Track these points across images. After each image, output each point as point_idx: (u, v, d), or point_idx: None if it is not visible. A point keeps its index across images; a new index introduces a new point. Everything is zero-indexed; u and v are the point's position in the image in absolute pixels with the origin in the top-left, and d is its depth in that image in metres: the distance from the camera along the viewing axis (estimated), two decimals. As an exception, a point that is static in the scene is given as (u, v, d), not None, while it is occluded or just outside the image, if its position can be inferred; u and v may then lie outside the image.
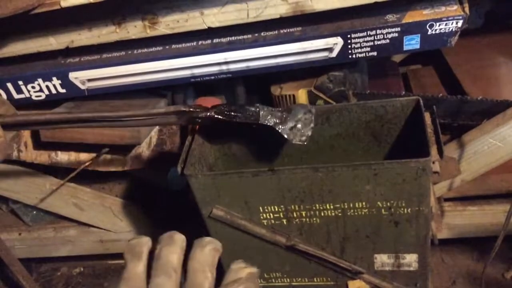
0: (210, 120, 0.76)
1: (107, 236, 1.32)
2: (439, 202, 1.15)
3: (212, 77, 1.03)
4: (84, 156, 1.14)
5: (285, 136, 0.78)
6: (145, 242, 0.43)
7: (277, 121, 0.78)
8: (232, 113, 0.77)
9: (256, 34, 1.00)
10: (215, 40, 1.01)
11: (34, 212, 1.34)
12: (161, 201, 1.29)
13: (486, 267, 0.98)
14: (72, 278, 1.54)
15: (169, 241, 0.42)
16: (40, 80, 1.04)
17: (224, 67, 1.01)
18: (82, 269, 1.56)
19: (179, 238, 0.43)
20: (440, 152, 0.73)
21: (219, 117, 0.77)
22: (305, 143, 0.78)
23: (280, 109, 0.80)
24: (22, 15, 0.84)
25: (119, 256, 1.46)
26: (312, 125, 0.79)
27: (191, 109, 0.75)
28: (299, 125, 0.78)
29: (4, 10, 0.76)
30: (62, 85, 1.04)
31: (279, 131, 0.78)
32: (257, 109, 0.78)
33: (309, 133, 0.78)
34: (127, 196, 1.30)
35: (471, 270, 1.30)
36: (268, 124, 0.78)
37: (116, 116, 0.72)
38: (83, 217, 1.28)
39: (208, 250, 0.42)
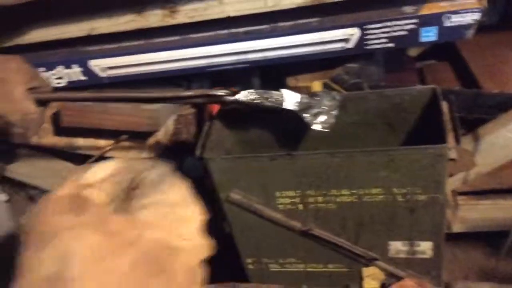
0: (236, 104, 0.77)
1: (122, 223, 1.33)
2: (453, 196, 1.16)
3: (229, 67, 1.04)
4: (103, 142, 1.16)
5: (308, 123, 0.79)
6: None
7: (302, 107, 0.79)
8: (258, 98, 0.78)
9: (273, 24, 1.01)
10: (233, 30, 1.02)
11: (52, 198, 1.36)
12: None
13: (497, 262, 0.98)
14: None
15: None
16: (60, 67, 1.06)
17: (241, 57, 1.02)
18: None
19: None
20: (457, 139, 0.74)
21: (245, 101, 0.77)
22: (327, 131, 0.79)
23: (305, 95, 0.80)
24: (45, 1, 0.85)
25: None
26: (335, 112, 0.79)
27: (218, 93, 0.76)
28: (323, 112, 0.79)
29: (29, -5, 0.78)
30: (82, 73, 1.07)
31: (303, 117, 0.79)
32: (282, 95, 0.79)
33: (332, 120, 0.79)
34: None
35: (484, 265, 1.30)
36: (292, 110, 0.79)
37: (148, 97, 0.74)
38: (99, 204, 1.30)
39: None
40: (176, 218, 0.73)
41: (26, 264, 0.61)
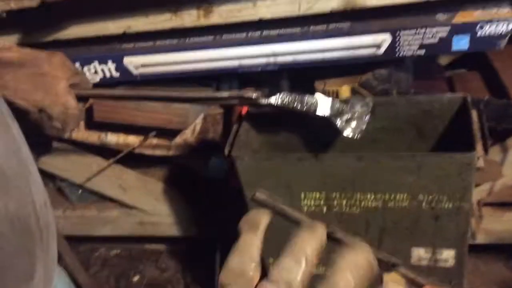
0: (269, 107, 0.78)
1: (147, 218, 1.36)
2: (478, 207, 1.15)
3: (259, 69, 1.06)
4: (132, 138, 1.19)
5: (340, 128, 0.79)
6: (264, 215, 0.42)
7: (334, 112, 0.79)
8: (292, 102, 0.79)
9: (305, 28, 1.02)
10: (264, 32, 1.04)
11: (80, 191, 1.40)
12: (201, 188, 1.33)
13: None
14: (109, 259, 1.60)
15: (309, 231, 0.40)
16: (96, 63, 1.09)
17: (271, 59, 1.03)
18: (119, 251, 1.61)
19: (321, 232, 0.41)
20: (486, 148, 0.74)
21: (279, 104, 0.78)
22: (358, 137, 0.79)
23: (338, 100, 0.81)
24: (86, -2, 0.88)
25: (156, 240, 1.51)
26: (367, 119, 0.79)
27: (252, 95, 0.77)
28: (355, 118, 0.79)
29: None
30: (116, 69, 1.09)
31: (335, 123, 0.79)
32: (315, 99, 0.79)
33: (364, 126, 0.79)
34: (169, 181, 1.34)
35: (506, 278, 1.28)
36: (325, 115, 0.79)
37: (183, 97, 0.75)
38: (126, 198, 1.33)
39: (363, 258, 0.38)
40: None
41: None
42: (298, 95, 0.79)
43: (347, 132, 0.79)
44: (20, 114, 0.64)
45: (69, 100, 0.65)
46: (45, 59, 0.64)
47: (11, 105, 0.61)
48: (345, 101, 0.81)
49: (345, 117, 0.79)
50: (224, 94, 0.76)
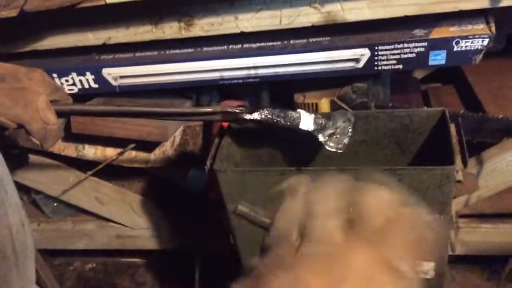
0: (253, 122, 0.78)
1: (124, 231, 1.34)
2: (455, 218, 1.17)
3: (240, 81, 1.06)
4: (110, 151, 1.17)
5: (323, 143, 0.80)
6: (303, 180, 0.44)
7: (317, 127, 0.80)
8: (275, 117, 0.79)
9: (286, 42, 1.03)
10: (246, 45, 1.04)
11: (55, 204, 1.37)
12: (179, 201, 1.31)
13: (498, 286, 0.99)
14: (85, 273, 1.56)
15: (317, 191, 0.41)
16: (74, 74, 1.08)
17: (252, 72, 1.04)
18: (94, 265, 1.58)
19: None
20: (464, 162, 0.75)
21: (263, 120, 0.78)
22: (341, 151, 0.80)
23: (320, 115, 0.82)
24: (66, 8, 0.87)
25: (133, 253, 1.48)
26: (349, 133, 0.81)
27: (236, 110, 0.77)
28: (337, 133, 0.80)
29: (52, 2, 0.80)
30: (95, 80, 1.08)
31: (318, 138, 0.80)
32: (299, 114, 0.80)
33: (346, 141, 0.80)
34: (147, 193, 1.32)
35: (482, 288, 1.30)
36: (308, 130, 0.80)
37: (166, 112, 0.75)
38: (103, 211, 1.31)
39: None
40: None
41: None
42: (281, 110, 0.79)
43: (330, 147, 0.80)
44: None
45: (49, 115, 0.64)
46: (24, 74, 0.63)
47: None
48: (328, 116, 0.82)
49: (328, 131, 0.80)
50: (208, 109, 0.76)
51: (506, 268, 0.91)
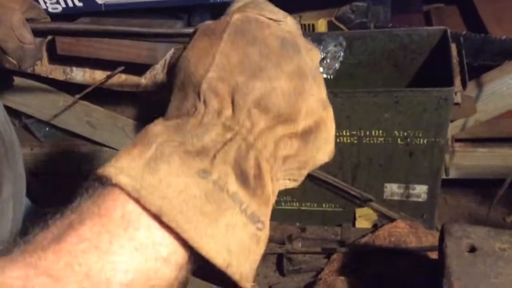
0: None
1: (118, 156, 1.33)
2: (451, 142, 1.16)
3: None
4: (99, 74, 1.14)
5: None
6: None
7: None
8: None
9: (281, -44, 0.96)
10: (238, -40, 0.98)
11: (47, 128, 1.35)
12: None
13: (490, 210, 0.99)
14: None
15: None
16: (57, -9, 1.02)
17: (245, -11, 0.98)
18: (90, 189, 1.59)
19: None
20: (464, 83, 0.73)
21: None
22: (331, 77, 0.77)
23: (310, 38, 0.78)
24: None
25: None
26: (341, 58, 0.77)
27: None
28: (328, 57, 0.77)
29: None
30: (79, -2, 1.02)
31: None
32: None
33: (337, 66, 0.77)
34: (139, 118, 1.30)
35: (474, 212, 1.32)
36: None
37: (148, 33, 0.71)
38: (95, 136, 1.30)
39: None
40: None
41: None
42: None
43: (320, 72, 0.77)
44: None
45: (24, 33, 0.61)
46: None
47: None
48: (318, 39, 0.78)
49: None
50: (190, 29, 0.72)
51: (499, 191, 0.90)
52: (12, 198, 0.50)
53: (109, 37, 0.71)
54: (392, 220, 0.90)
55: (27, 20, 0.62)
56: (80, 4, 1.03)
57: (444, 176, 0.84)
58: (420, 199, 0.86)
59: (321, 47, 0.78)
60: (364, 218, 0.93)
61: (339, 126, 0.76)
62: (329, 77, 0.77)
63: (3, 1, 0.60)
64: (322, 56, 0.78)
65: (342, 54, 0.78)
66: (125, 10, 1.04)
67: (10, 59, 0.61)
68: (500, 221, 1.26)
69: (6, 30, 0.59)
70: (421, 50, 0.83)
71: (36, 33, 0.63)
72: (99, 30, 0.70)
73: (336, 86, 0.91)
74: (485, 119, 1.08)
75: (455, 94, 0.71)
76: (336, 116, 0.75)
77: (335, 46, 0.79)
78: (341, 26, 1.04)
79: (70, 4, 1.03)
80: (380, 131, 0.77)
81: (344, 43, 0.79)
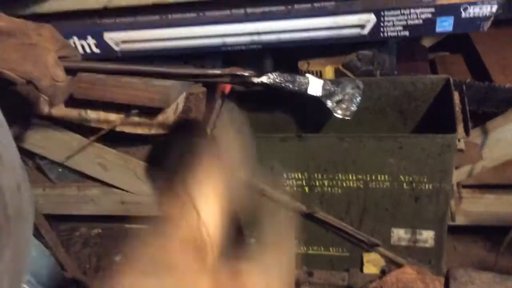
0: (261, 86, 0.77)
1: (128, 197, 1.35)
2: (458, 188, 1.16)
3: (243, 47, 1.04)
4: (112, 116, 1.17)
5: (331, 110, 0.79)
6: None
7: (325, 93, 0.79)
8: (284, 81, 0.78)
9: (289, 6, 1.01)
10: (249, 10, 1.02)
11: (60, 169, 1.38)
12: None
13: (497, 257, 0.99)
14: (91, 238, 1.58)
15: None
16: (75, 38, 1.07)
17: (255, 38, 1.02)
18: (100, 230, 1.60)
19: None
20: (467, 130, 0.74)
21: (271, 84, 0.78)
22: (349, 118, 0.79)
23: (329, 81, 0.81)
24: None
25: (138, 219, 1.50)
26: (358, 100, 0.80)
27: (245, 73, 0.76)
28: (345, 100, 0.80)
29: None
30: (96, 45, 1.07)
31: (326, 104, 0.79)
32: (307, 80, 0.79)
33: (354, 108, 0.79)
34: (150, 160, 1.32)
35: (483, 259, 1.31)
36: (316, 95, 0.79)
37: (176, 73, 0.74)
38: (107, 177, 1.32)
39: None
40: None
41: None
42: (289, 74, 0.78)
43: (338, 114, 0.79)
44: (7, 85, 0.63)
45: (57, 72, 0.64)
46: (34, 29, 0.63)
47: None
48: (337, 82, 0.81)
49: (336, 98, 0.79)
50: (217, 71, 0.76)
51: (506, 239, 0.90)
52: (13, 262, 0.49)
53: (139, 76, 0.74)
54: (399, 265, 0.90)
55: (60, 58, 0.66)
56: (97, 51, 1.08)
57: (450, 222, 0.84)
58: (427, 245, 0.86)
59: (339, 89, 0.80)
60: (372, 263, 0.93)
61: (345, 170, 0.79)
62: (346, 118, 0.79)
63: (38, 42, 0.63)
64: (339, 99, 0.80)
65: (359, 97, 0.80)
66: (140, 56, 1.08)
67: (43, 96, 0.64)
68: (509, 268, 1.24)
69: (41, 69, 0.62)
70: (425, 98, 0.85)
71: (69, 71, 0.66)
72: (128, 69, 0.74)
73: (342, 131, 0.93)
74: (491, 165, 1.09)
75: (459, 140, 0.73)
76: (343, 160, 0.77)
77: (352, 89, 0.82)
78: (348, 73, 1.07)
79: (88, 51, 1.08)
80: (386, 176, 0.78)
81: (362, 87, 0.82)
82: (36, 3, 1.01)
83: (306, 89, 0.79)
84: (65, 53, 0.66)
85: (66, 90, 0.66)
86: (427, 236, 0.85)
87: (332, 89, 0.81)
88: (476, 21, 0.93)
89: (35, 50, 0.62)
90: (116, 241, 1.55)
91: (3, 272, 0.46)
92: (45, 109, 0.66)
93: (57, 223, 1.61)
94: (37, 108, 0.64)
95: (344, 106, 0.80)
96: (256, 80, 0.77)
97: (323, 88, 0.80)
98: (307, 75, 0.80)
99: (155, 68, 0.74)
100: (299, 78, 0.79)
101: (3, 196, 0.46)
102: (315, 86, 0.79)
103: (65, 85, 0.65)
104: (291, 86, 0.78)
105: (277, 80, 0.78)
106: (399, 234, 0.86)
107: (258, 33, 1.01)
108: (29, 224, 0.52)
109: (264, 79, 0.77)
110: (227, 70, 0.76)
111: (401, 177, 0.77)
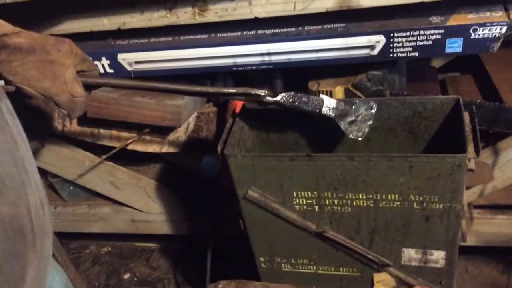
0: (275, 105, 0.79)
1: (138, 216, 1.36)
2: (469, 209, 1.16)
3: (254, 67, 1.06)
4: (125, 135, 1.18)
5: (344, 130, 0.80)
6: None
7: (338, 114, 0.80)
8: (298, 101, 0.79)
9: (300, 28, 1.02)
10: (259, 31, 1.04)
11: (71, 187, 1.39)
12: (193, 186, 1.33)
13: (509, 278, 0.98)
14: (100, 256, 1.59)
15: None
16: (90, 59, 1.09)
17: (266, 58, 1.04)
18: (110, 248, 1.60)
19: None
20: (477, 150, 0.74)
21: (285, 103, 0.79)
22: (361, 139, 0.79)
23: (342, 102, 0.81)
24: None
25: (148, 237, 1.50)
26: (370, 122, 0.80)
27: (259, 92, 0.78)
28: (358, 121, 0.80)
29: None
30: (110, 65, 1.09)
31: (339, 124, 0.80)
32: (321, 100, 0.80)
33: (367, 129, 0.80)
34: (161, 179, 1.34)
35: (495, 281, 1.29)
36: (330, 115, 0.80)
37: (191, 91, 0.76)
38: (117, 196, 1.33)
39: None
40: None
41: None
42: (303, 94, 0.79)
43: (351, 134, 0.80)
44: (27, 100, 0.64)
45: (76, 87, 0.65)
46: (53, 45, 0.64)
47: (19, 91, 0.62)
48: (350, 103, 0.82)
49: (349, 119, 0.80)
50: (231, 90, 0.77)
51: (519, 260, 0.89)
52: (35, 284, 0.50)
53: (155, 91, 0.76)
54: (410, 286, 0.89)
55: (79, 72, 0.67)
56: (111, 71, 1.10)
57: (461, 243, 0.83)
58: (438, 265, 0.85)
59: (352, 110, 0.81)
60: (383, 284, 0.92)
61: (355, 189, 0.79)
62: (358, 139, 0.79)
63: (57, 58, 0.64)
64: (353, 119, 0.81)
65: (372, 117, 0.80)
66: (152, 76, 1.10)
67: (62, 110, 0.66)
68: (523, 291, 1.22)
69: (59, 85, 0.64)
70: (435, 118, 0.85)
71: (87, 86, 0.68)
72: (144, 85, 0.75)
73: (353, 150, 0.93)
74: (502, 186, 1.09)
75: (469, 160, 0.73)
76: (353, 179, 0.77)
77: (365, 110, 0.83)
78: (358, 93, 1.08)
79: (102, 71, 1.10)
80: (396, 195, 0.78)
81: (375, 107, 0.82)
82: (51, 24, 1.03)
83: (320, 109, 0.80)
84: (84, 67, 0.68)
85: (84, 105, 0.68)
86: (438, 257, 0.84)
87: (346, 109, 0.81)
88: (485, 42, 0.94)
89: (54, 66, 0.64)
90: (125, 260, 1.56)
91: (30, 287, 0.47)
92: (61, 124, 0.68)
93: (67, 241, 1.62)
94: (52, 125, 0.66)
95: (356, 126, 0.81)
96: (270, 99, 0.78)
97: (337, 108, 0.81)
98: (322, 95, 0.80)
99: (171, 85, 0.75)
100: (313, 98, 0.80)
101: (29, 212, 0.47)
102: (328, 106, 0.80)
103: (83, 100, 0.67)
104: (304, 106, 0.79)
105: (290, 100, 0.79)
106: (410, 254, 0.85)
107: (269, 54, 1.02)
108: (50, 241, 0.53)
109: (278, 98, 0.78)
110: (241, 89, 0.77)
111: (412, 196, 0.77)
